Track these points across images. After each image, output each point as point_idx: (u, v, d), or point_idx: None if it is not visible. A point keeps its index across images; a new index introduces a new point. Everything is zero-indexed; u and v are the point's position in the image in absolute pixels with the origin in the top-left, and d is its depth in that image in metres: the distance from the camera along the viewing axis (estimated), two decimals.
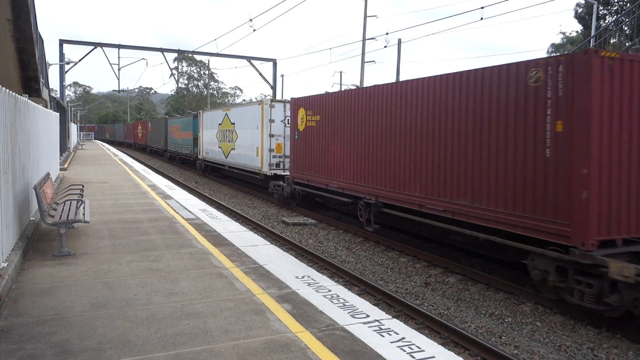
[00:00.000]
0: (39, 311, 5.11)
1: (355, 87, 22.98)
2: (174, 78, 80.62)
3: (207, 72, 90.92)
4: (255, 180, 21.38)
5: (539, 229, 7.76)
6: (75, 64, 33.88)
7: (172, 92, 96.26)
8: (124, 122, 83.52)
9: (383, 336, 4.67)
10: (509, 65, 8.36)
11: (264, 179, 19.64)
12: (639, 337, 6.94)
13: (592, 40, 19.71)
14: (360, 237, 13.26)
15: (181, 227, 9.64)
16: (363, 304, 5.57)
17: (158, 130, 44.53)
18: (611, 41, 22.66)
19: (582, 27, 31.44)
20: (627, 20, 18.78)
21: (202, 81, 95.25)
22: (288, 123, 18.45)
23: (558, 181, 7.49)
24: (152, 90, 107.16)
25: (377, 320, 5.06)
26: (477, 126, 8.95)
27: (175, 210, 11.60)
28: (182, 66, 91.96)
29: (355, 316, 5.16)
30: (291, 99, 16.71)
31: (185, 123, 34.44)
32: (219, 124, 25.49)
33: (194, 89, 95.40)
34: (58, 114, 21.45)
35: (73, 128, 49.39)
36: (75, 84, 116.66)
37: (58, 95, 33.01)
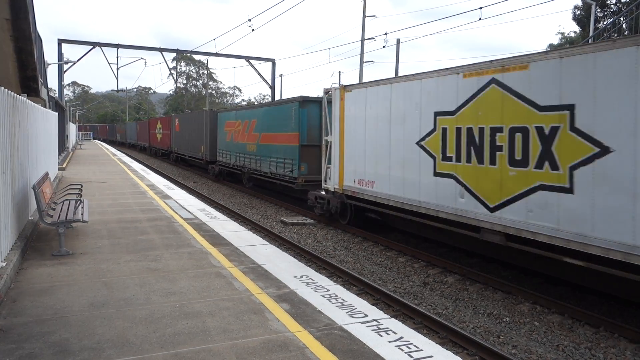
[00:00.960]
0: (38, 311, 5.12)
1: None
2: (173, 78, 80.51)
3: (205, 71, 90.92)
4: None
5: None
6: (74, 63, 33.87)
7: (171, 92, 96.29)
8: (137, 120, 71.81)
9: (381, 336, 4.68)
10: None
11: None
12: (637, 336, 6.96)
13: (590, 40, 19.74)
14: (358, 236, 13.26)
15: (180, 227, 9.64)
16: (361, 304, 5.58)
17: (196, 129, 29.22)
18: None
19: (580, 29, 31.49)
20: (625, 20, 18.82)
21: (200, 81, 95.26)
22: None
23: None
24: (151, 90, 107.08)
25: (376, 320, 5.07)
26: None
27: (173, 210, 11.60)
28: (181, 66, 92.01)
29: (353, 316, 5.17)
30: None
31: (274, 115, 18.79)
32: (458, 108, 9.40)
33: (192, 88, 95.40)
34: (57, 113, 21.43)
35: (72, 128, 49.25)
36: (74, 83, 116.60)
37: (57, 95, 32.98)
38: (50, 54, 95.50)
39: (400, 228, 13.34)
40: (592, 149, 7.13)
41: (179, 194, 14.74)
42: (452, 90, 9.60)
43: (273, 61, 40.03)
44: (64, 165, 23.08)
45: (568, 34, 35.99)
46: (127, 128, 67.12)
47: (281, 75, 58.34)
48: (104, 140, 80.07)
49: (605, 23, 27.35)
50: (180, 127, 34.10)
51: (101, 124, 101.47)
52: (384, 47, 34.02)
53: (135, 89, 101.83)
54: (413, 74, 10.91)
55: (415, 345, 4.48)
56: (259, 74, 39.49)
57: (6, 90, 6.85)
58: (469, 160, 9.25)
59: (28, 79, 12.02)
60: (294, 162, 16.78)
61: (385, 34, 27.15)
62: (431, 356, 4.29)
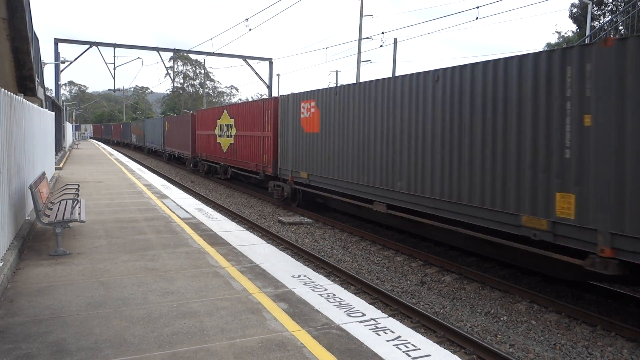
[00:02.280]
0: (35, 311, 5.11)
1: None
2: (170, 77, 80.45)
3: (203, 71, 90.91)
4: None
5: None
6: (71, 63, 33.71)
7: (168, 92, 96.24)
8: (164, 115, 50.36)
9: (379, 335, 4.68)
10: None
11: None
12: (634, 335, 6.99)
13: (587, 40, 19.79)
14: (356, 236, 13.27)
15: (177, 227, 9.63)
16: (359, 303, 5.59)
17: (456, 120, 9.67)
18: None
19: (577, 27, 31.57)
20: (621, 20, 18.87)
21: (198, 80, 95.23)
22: None
23: None
24: (149, 90, 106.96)
25: (373, 319, 5.08)
26: None
27: (171, 210, 11.59)
28: (178, 65, 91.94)
29: (351, 315, 5.17)
30: None
31: None
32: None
33: (189, 88, 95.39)
34: (53, 113, 21.38)
35: (69, 127, 49.06)
36: (71, 83, 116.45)
37: (53, 95, 32.89)
38: (46, 53, 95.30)
39: None
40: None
41: (176, 194, 14.72)
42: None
43: (270, 60, 39.98)
44: (61, 165, 23.02)
45: (565, 33, 36.07)
46: (146, 127, 48.10)
47: (278, 75, 58.39)
48: (117, 144, 67.34)
49: (602, 21, 27.43)
50: (325, 120, 14.25)
51: (114, 122, 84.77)
52: (381, 46, 34.04)
53: (132, 89, 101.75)
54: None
55: (412, 344, 4.49)
56: (256, 73, 39.45)
57: (3, 89, 6.83)
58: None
59: (25, 79, 12.00)
60: None
61: (383, 33, 27.14)
62: (429, 355, 4.30)
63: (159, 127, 41.21)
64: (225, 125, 23.48)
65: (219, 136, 24.49)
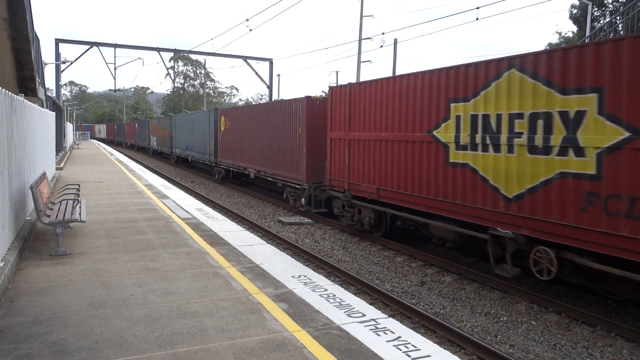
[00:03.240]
0: (36, 311, 5.11)
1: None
2: (170, 77, 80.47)
3: (203, 71, 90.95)
4: None
5: None
6: (71, 63, 33.75)
7: (168, 92, 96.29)
8: (210, 108, 31.01)
9: (379, 335, 4.69)
10: None
11: None
12: (633, 335, 6.99)
13: (586, 40, 19.79)
14: (356, 236, 13.28)
15: (177, 227, 9.63)
16: (359, 303, 5.59)
17: None
18: None
19: (577, 28, 31.59)
20: (621, 20, 18.88)
21: (198, 80, 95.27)
22: None
23: None
24: (149, 90, 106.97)
25: (373, 320, 5.08)
26: None
27: (171, 210, 11.59)
28: (178, 65, 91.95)
29: (351, 315, 5.18)
30: None
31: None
32: None
33: (190, 88, 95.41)
34: (54, 113, 21.41)
35: (69, 127, 49.04)
36: (71, 83, 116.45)
37: (54, 95, 32.91)
38: (47, 53, 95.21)
39: None
40: None
41: (176, 194, 14.73)
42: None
43: (270, 61, 40.00)
44: (62, 165, 23.04)
45: (565, 34, 36.09)
46: (175, 126, 33.90)
47: (279, 75, 58.35)
48: (130, 146, 58.31)
49: (602, 22, 27.44)
50: None
51: (127, 122, 71.05)
52: (381, 46, 34.05)
53: (132, 89, 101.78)
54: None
55: (412, 345, 4.50)
56: (256, 73, 39.48)
57: (4, 89, 6.83)
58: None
59: (25, 79, 12.01)
60: None
61: (383, 33, 27.16)
62: (429, 355, 4.31)
63: (206, 126, 26.06)
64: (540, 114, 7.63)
65: (497, 146, 8.41)
